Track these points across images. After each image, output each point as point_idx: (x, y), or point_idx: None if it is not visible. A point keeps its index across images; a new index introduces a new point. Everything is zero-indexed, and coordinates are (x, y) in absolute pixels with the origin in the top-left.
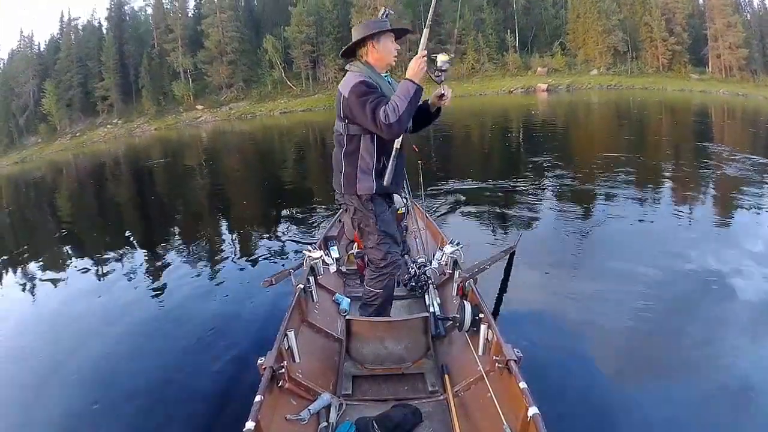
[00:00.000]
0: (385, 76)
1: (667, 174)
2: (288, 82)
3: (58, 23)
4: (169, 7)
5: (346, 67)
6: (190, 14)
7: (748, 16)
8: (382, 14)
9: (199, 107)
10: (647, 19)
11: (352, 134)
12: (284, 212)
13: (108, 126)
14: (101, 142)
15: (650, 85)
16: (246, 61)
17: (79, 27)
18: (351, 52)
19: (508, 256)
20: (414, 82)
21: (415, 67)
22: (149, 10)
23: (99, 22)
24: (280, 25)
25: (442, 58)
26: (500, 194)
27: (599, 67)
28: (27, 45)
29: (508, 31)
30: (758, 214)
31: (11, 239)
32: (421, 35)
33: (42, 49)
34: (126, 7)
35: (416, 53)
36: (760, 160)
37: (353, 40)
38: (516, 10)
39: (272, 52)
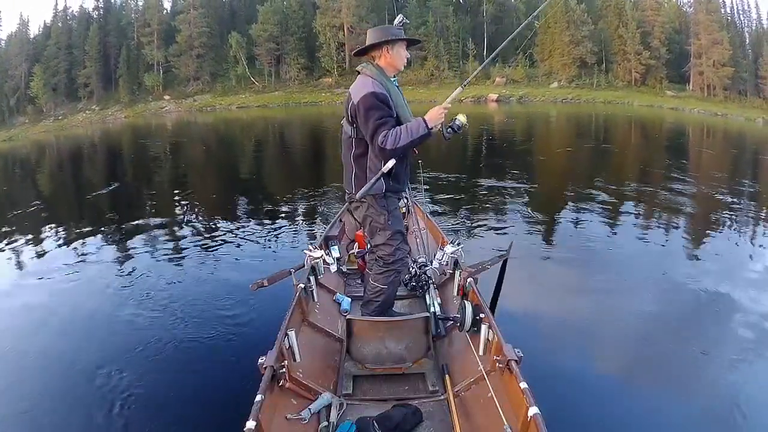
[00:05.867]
0: (393, 80)
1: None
2: (251, 78)
3: (52, 11)
4: (143, 3)
5: (358, 68)
6: (168, 11)
7: (747, 35)
8: (399, 22)
9: (167, 98)
10: (621, 31)
11: (360, 138)
12: (281, 207)
13: (87, 112)
14: (79, 126)
15: (614, 99)
16: (213, 55)
17: (74, 14)
18: (363, 53)
19: (501, 262)
20: (427, 126)
21: (436, 114)
22: (133, 4)
23: (88, 12)
24: (251, 22)
25: (461, 119)
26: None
27: (560, 80)
28: (23, 30)
29: (470, 38)
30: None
31: None
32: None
33: (36, 35)
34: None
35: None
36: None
37: (369, 42)
38: (485, 18)
39: (236, 48)
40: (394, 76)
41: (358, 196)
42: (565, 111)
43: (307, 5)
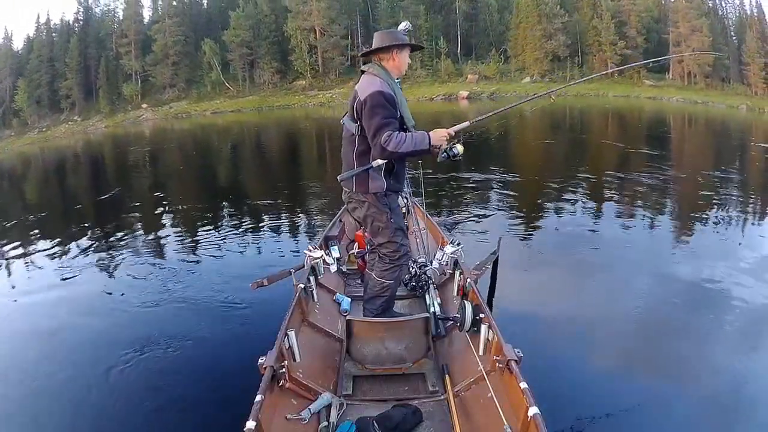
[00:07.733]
0: (397, 81)
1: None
2: (226, 84)
3: (35, 24)
4: (124, 13)
5: (363, 68)
6: (149, 18)
7: (731, 23)
8: (404, 28)
9: (144, 106)
10: (596, 22)
11: (364, 135)
12: (277, 208)
13: (69, 123)
14: (62, 137)
15: (587, 92)
16: (188, 62)
17: (56, 26)
18: (370, 54)
19: (492, 261)
20: (430, 143)
21: (440, 135)
22: (112, 14)
23: (69, 24)
24: (226, 28)
25: (459, 149)
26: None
27: (532, 75)
28: (7, 43)
29: (441, 37)
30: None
31: None
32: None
33: (19, 48)
34: (96, 9)
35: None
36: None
37: (377, 44)
38: (458, 17)
39: (210, 54)
40: (397, 79)
41: (339, 178)
42: (538, 105)
43: (279, 9)
